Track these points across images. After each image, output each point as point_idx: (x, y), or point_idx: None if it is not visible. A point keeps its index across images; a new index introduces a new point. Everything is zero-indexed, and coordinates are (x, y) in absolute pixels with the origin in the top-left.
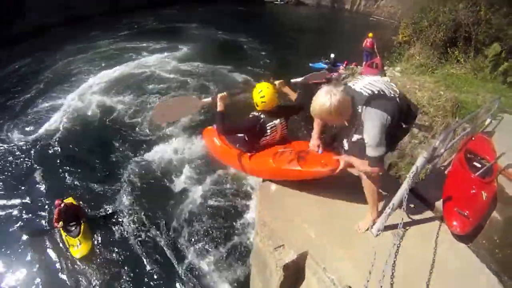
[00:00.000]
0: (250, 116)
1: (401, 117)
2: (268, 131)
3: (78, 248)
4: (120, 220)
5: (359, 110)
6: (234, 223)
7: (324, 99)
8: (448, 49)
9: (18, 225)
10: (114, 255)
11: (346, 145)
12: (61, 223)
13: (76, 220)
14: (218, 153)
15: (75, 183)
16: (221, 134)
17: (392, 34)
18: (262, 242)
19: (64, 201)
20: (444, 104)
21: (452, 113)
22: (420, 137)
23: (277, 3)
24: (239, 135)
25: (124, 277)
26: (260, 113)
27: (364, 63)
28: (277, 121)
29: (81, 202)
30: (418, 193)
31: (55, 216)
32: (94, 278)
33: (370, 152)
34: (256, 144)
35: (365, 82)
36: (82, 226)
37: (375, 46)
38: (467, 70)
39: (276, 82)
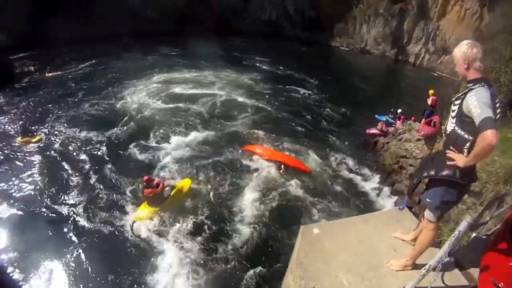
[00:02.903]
0: None
1: None
2: None
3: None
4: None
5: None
6: (268, 257)
7: (466, 42)
8: (508, 111)
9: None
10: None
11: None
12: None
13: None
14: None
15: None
16: None
17: (452, 91)
18: (294, 282)
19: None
20: (497, 171)
21: (505, 180)
22: (468, 203)
23: (342, 48)
24: None
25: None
26: None
27: (423, 120)
28: None
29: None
30: (457, 259)
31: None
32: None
33: (481, 114)
34: None
35: None
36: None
37: (436, 104)
38: None
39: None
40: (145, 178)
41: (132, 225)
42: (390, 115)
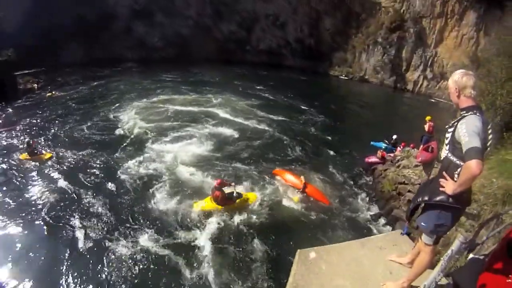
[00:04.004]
0: None
1: None
2: None
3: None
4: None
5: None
6: (266, 279)
7: (459, 71)
8: (504, 134)
9: None
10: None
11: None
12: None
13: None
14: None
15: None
16: None
17: (450, 116)
18: None
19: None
20: (495, 192)
21: (503, 201)
22: (467, 226)
23: (342, 77)
24: None
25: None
26: None
27: (421, 146)
28: None
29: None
30: (455, 281)
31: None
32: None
33: (468, 143)
34: None
35: None
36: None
37: (433, 130)
38: None
39: None
40: (218, 181)
41: (193, 208)
42: (385, 142)
